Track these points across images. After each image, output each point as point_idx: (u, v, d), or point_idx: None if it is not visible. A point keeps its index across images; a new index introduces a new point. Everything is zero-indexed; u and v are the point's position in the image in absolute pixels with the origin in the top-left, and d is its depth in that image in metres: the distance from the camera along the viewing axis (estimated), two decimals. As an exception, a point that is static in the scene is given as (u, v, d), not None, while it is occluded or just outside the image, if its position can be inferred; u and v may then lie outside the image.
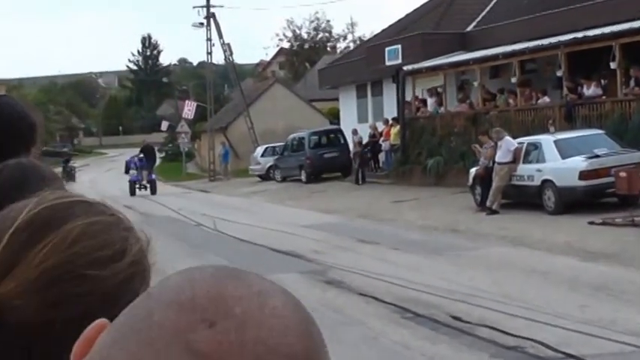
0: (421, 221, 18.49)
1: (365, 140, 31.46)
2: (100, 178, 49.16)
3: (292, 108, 47.47)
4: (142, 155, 34.66)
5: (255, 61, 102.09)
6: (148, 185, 34.30)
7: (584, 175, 16.36)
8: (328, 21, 76.26)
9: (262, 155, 39.12)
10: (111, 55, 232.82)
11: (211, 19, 44.42)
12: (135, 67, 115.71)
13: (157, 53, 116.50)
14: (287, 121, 44.91)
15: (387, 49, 30.16)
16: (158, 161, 58.10)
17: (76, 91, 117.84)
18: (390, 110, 30.93)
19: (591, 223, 15.22)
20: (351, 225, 19.21)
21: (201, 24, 44.62)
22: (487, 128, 21.47)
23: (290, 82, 63.63)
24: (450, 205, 20.78)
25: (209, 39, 44.87)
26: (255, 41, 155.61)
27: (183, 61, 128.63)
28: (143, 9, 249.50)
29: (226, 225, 20.81)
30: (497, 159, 18.77)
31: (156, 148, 37.67)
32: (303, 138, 34.77)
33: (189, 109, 49.55)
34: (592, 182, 16.28)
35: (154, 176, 35.20)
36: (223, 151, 43.75)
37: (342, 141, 34.05)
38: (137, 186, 34.22)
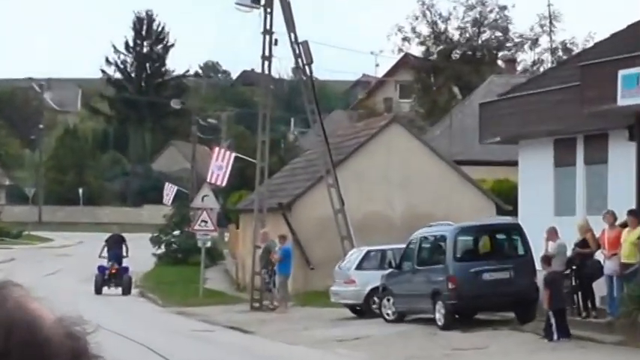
0: None
1: (569, 251, 25.64)
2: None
3: (423, 175, 36.33)
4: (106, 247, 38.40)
5: (351, 77, 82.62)
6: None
7: None
8: (502, 8, 55.18)
9: (359, 266, 30.67)
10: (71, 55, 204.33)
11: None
12: (117, 74, 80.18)
13: (164, 48, 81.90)
14: (411, 199, 35.71)
15: (621, 73, 24.54)
16: (151, 265, 49.53)
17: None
18: (622, 194, 25.66)
19: None
20: None
21: (256, 1, 32.34)
22: None
23: (420, 123, 49.78)
24: None
25: (269, 30, 32.14)
26: (352, 40, 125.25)
27: (208, 69, 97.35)
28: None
29: None
30: None
31: (126, 238, 38.80)
32: (442, 237, 27.96)
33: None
34: None
35: (128, 269, 38.07)
36: (282, 252, 32.89)
37: (522, 249, 27.43)
38: (105, 277, 37.68)
